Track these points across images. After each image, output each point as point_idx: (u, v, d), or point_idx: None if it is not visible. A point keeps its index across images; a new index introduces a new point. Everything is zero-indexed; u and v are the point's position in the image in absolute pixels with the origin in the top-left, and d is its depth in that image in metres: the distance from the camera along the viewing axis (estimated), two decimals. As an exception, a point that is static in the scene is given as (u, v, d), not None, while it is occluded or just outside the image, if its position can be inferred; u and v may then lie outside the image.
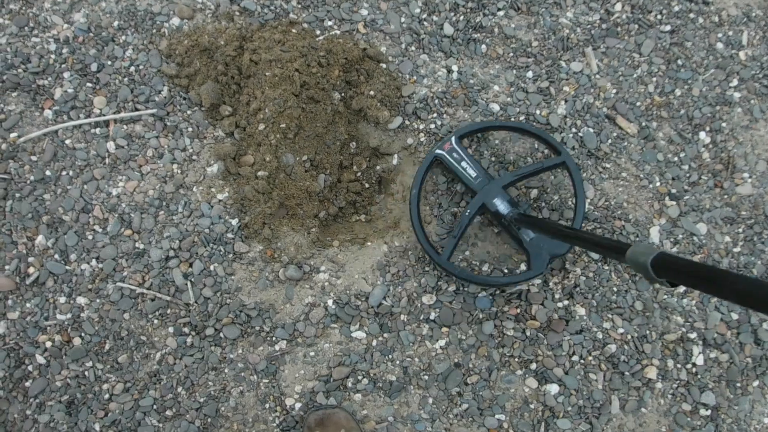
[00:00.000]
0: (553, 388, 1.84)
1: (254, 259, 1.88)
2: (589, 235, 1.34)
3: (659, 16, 2.17)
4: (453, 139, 1.90)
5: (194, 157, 1.94)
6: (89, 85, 1.99)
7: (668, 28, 2.16)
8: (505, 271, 1.93)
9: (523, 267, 1.92)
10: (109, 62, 2.00)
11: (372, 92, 1.97)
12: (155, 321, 1.85)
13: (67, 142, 1.94)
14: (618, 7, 2.16)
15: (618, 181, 2.01)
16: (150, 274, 1.87)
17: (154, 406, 1.83)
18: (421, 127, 2.00)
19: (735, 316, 1.92)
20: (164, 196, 1.91)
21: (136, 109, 1.96)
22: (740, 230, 2.00)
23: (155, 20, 2.04)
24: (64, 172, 1.93)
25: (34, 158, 1.93)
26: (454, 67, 2.04)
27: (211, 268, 1.86)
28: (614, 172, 2.01)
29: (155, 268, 1.87)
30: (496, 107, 2.02)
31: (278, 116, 1.87)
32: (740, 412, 1.88)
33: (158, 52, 2.01)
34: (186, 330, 1.85)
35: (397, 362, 1.85)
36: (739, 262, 1.96)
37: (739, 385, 1.89)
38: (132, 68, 2.00)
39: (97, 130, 1.95)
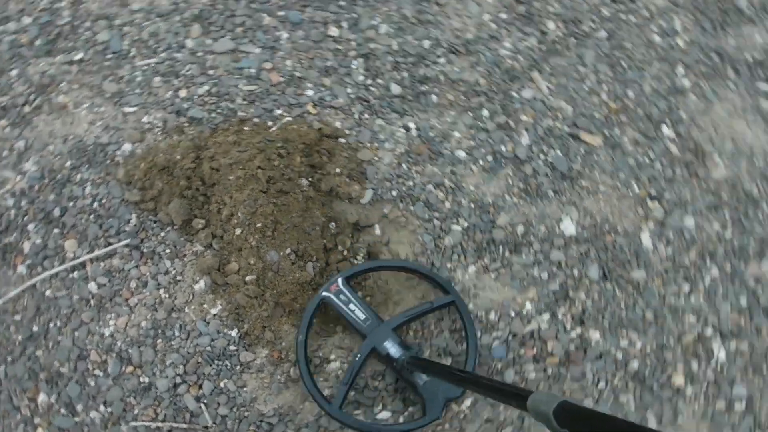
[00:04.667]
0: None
1: (262, 366, 1.85)
2: (487, 380, 1.27)
3: (592, 25, 2.21)
4: (340, 280, 1.84)
5: (179, 277, 1.91)
6: (56, 231, 1.95)
7: (604, 34, 2.20)
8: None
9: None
10: (71, 204, 1.97)
11: (338, 170, 1.96)
12: (178, 452, 1.81)
13: (47, 293, 1.90)
14: (551, 26, 2.20)
15: (598, 196, 2.02)
16: (161, 405, 1.83)
17: None
18: (394, 194, 1.99)
19: (744, 303, 1.93)
20: (158, 324, 1.87)
21: (109, 244, 1.93)
22: (726, 214, 2.02)
23: (106, 151, 2.02)
24: (51, 324, 1.89)
25: (17, 317, 1.89)
26: (411, 124, 2.05)
27: (221, 384, 1.83)
28: (592, 189, 2.02)
29: (165, 399, 1.83)
30: (462, 154, 2.02)
31: (252, 217, 1.85)
32: (773, 394, 1.87)
33: (117, 182, 1.98)
34: (211, 453, 1.81)
35: None
36: (734, 248, 1.98)
37: (765, 369, 1.88)
38: (95, 204, 1.97)
39: (75, 274, 1.92)
